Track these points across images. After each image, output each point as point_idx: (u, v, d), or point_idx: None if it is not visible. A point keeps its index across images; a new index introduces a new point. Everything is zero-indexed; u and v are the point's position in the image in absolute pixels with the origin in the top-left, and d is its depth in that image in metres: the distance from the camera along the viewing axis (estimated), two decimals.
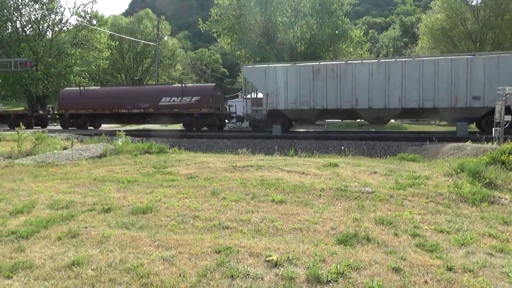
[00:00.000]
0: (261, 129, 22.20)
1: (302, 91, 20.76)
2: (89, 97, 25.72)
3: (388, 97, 19.53)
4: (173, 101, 23.60)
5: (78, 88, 26.96)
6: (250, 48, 34.01)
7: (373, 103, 19.80)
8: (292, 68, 21.17)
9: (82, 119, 25.67)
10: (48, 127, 28.17)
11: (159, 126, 28.58)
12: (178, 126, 27.39)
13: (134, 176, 7.70)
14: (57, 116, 27.02)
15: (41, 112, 28.71)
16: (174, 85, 26.33)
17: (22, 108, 32.78)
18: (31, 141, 12.30)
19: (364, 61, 20.96)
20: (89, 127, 26.05)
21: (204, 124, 23.64)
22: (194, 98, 23.24)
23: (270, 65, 22.11)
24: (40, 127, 27.93)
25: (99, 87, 30.30)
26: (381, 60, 20.41)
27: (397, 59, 20.38)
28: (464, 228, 4.66)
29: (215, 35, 36.30)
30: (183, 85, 24.48)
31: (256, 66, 22.85)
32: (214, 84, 26.97)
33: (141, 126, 28.20)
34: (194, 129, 23.73)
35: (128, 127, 28.23)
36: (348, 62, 20.72)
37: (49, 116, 28.36)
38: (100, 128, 26.79)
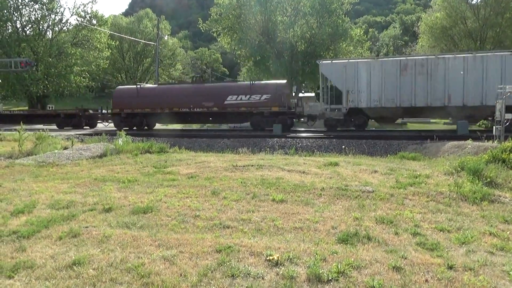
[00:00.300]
0: (337, 128, 21.18)
1: (387, 88, 19.49)
2: (147, 95, 24.42)
3: (485, 94, 18.12)
4: (241, 99, 22.26)
5: (134, 86, 25.43)
6: (250, 47, 34.02)
7: (467, 100, 18.43)
8: (375, 64, 19.92)
9: (138, 118, 24.22)
10: (98, 127, 27.15)
11: (160, 126, 28.46)
12: (179, 126, 27.35)
13: (135, 176, 7.71)
14: (110, 116, 25.55)
15: (91, 111, 27.69)
16: (241, 82, 25.28)
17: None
18: (32, 141, 12.32)
19: (457, 55, 19.66)
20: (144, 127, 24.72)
21: (275, 124, 22.56)
22: (264, 96, 21.97)
23: (350, 60, 20.93)
24: (88, 127, 26.90)
25: (156, 85, 28.71)
26: (477, 54, 19.09)
27: (495, 53, 19.08)
28: (464, 226, 4.66)
29: (215, 34, 36.33)
30: (252, 82, 23.42)
31: (335, 61, 21.49)
32: (285, 81, 25.08)
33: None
34: (260, 128, 22.61)
35: (188, 127, 27.42)
36: (439, 56, 19.67)
37: (99, 115, 27.02)
38: (154, 128, 25.65)
